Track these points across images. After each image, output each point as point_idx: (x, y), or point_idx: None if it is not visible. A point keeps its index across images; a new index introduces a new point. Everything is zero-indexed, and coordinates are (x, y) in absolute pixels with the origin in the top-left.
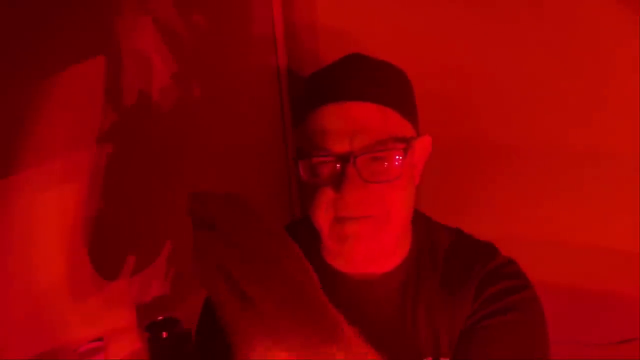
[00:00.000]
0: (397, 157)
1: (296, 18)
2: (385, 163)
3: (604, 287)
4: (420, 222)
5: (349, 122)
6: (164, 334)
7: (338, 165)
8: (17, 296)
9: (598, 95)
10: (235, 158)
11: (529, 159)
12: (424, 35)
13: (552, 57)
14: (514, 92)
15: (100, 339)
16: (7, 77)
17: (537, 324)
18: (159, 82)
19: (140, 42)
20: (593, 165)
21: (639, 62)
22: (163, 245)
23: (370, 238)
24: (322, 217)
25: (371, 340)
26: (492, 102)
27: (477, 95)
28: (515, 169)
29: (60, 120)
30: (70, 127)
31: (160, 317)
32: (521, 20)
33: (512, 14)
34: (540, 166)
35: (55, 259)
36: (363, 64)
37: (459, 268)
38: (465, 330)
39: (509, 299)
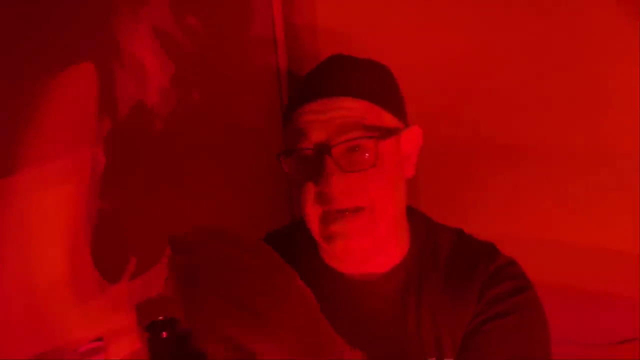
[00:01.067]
0: (371, 145)
1: (296, 19)
2: (365, 154)
3: (604, 287)
4: (420, 222)
5: (324, 116)
6: (164, 334)
7: (317, 158)
8: (17, 296)
9: (598, 94)
10: (236, 158)
11: (529, 158)
12: (425, 35)
13: (552, 57)
14: (515, 92)
15: (100, 339)
16: (7, 79)
17: (539, 325)
18: (160, 82)
19: (140, 43)
20: (593, 165)
21: (639, 62)
22: (164, 246)
23: (359, 234)
24: (311, 213)
25: (374, 341)
26: (492, 102)
27: (477, 95)
28: (515, 169)
29: (60, 121)
30: (70, 128)
31: (160, 317)
32: (522, 21)
33: (513, 14)
34: (541, 166)
35: (55, 259)
36: (341, 63)
37: (461, 269)
38: (468, 333)
39: (510, 300)
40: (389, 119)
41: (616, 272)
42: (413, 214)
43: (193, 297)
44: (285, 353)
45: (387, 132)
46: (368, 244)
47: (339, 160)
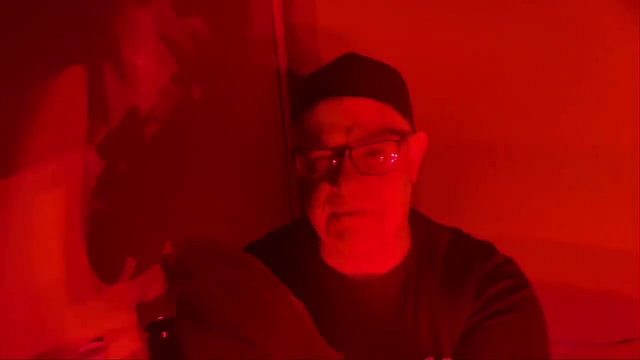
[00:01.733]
0: (392, 148)
1: (296, 19)
2: (381, 156)
3: (604, 287)
4: (420, 223)
5: (343, 116)
6: (164, 334)
7: (334, 160)
8: (17, 296)
9: (598, 94)
10: (236, 158)
11: (528, 158)
12: (424, 36)
13: (551, 56)
14: (514, 92)
15: (100, 339)
16: (4, 80)
17: (536, 322)
18: (160, 82)
19: (140, 44)
20: (593, 165)
21: (639, 61)
22: (163, 246)
23: (367, 233)
24: (319, 214)
25: (373, 341)
26: (491, 102)
27: (476, 95)
28: (514, 168)
29: (59, 122)
30: (70, 129)
31: (160, 317)
32: (521, 21)
33: (512, 14)
34: (540, 166)
35: (55, 259)
36: (357, 62)
37: (458, 268)
38: (466, 331)
39: (508, 298)
40: (402, 123)
41: (616, 272)
42: (413, 215)
43: (189, 332)
44: None
45: (403, 137)
46: (375, 244)
47: (357, 162)
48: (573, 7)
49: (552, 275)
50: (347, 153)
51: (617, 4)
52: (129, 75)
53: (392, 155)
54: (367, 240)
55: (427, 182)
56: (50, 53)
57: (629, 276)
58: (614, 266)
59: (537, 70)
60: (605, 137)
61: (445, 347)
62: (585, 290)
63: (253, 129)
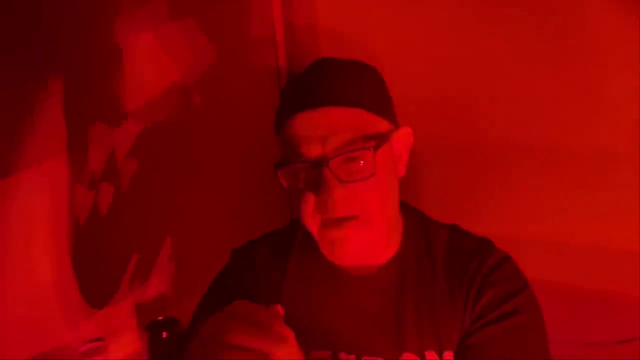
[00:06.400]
0: (368, 155)
1: (296, 19)
2: (360, 162)
3: (604, 287)
4: (414, 217)
5: (319, 127)
6: (164, 334)
7: (314, 170)
8: (17, 296)
9: (598, 95)
10: (236, 160)
11: (529, 158)
12: (424, 36)
13: (552, 57)
14: (515, 92)
15: (100, 339)
16: (3, 81)
17: (536, 325)
18: (159, 84)
19: (140, 45)
20: (593, 165)
21: (639, 62)
22: (163, 245)
23: (357, 238)
24: (310, 222)
25: (372, 333)
26: (492, 102)
27: (477, 95)
28: (515, 168)
29: (60, 124)
30: (70, 130)
31: (160, 317)
32: (522, 21)
33: (513, 15)
34: (540, 166)
35: (55, 259)
36: (329, 69)
37: (457, 264)
38: (467, 336)
39: (508, 303)
40: (381, 124)
41: (616, 272)
42: (406, 210)
43: None
44: None
45: (381, 139)
46: (365, 245)
47: (336, 171)
48: (573, 7)
49: (552, 275)
50: (325, 163)
51: (617, 5)
52: (128, 76)
53: (370, 160)
54: (358, 245)
55: (427, 182)
56: (55, 54)
57: (629, 276)
58: (614, 266)
59: (537, 71)
60: (605, 137)
61: (445, 340)
62: (585, 290)
63: (253, 131)
